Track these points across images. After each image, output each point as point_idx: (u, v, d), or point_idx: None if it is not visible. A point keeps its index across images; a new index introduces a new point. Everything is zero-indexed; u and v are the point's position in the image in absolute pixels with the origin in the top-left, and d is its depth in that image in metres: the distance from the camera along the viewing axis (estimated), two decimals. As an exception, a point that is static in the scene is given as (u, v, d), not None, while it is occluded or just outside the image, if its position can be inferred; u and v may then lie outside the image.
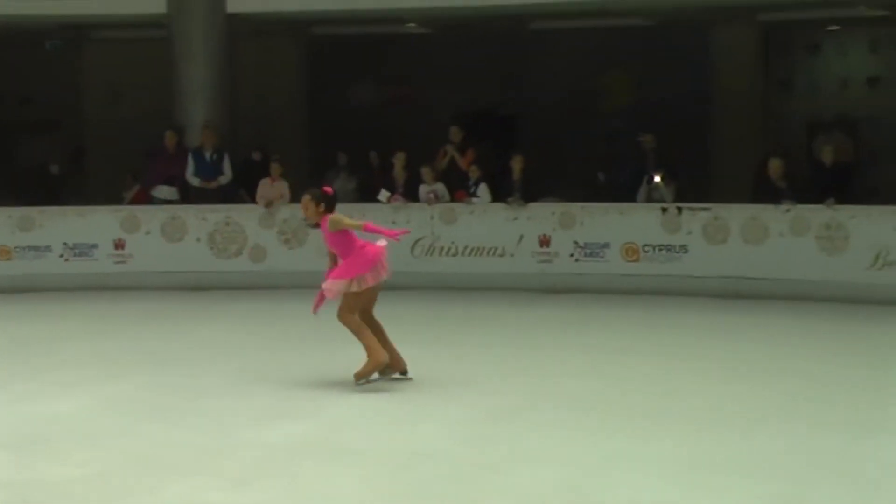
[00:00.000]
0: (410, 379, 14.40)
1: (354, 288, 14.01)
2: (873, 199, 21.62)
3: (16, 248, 22.81)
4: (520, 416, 13.06)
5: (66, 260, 22.87)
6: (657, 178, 22.24)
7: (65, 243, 22.94)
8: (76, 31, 27.83)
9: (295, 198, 22.73)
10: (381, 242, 14.24)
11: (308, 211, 14.35)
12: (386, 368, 14.19)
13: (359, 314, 14.19)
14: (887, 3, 25.32)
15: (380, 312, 18.01)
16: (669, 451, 11.54)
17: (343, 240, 14.22)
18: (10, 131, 30.13)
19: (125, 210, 23.39)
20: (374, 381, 14.04)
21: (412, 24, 27.62)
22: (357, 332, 14.08)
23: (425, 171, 22.50)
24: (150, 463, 11.32)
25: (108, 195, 24.13)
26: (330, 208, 14.29)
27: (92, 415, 13.10)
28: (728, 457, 11.33)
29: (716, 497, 10.17)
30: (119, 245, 22.89)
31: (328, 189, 14.59)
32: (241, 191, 23.62)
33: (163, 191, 23.57)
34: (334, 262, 14.47)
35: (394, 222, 21.90)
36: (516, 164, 22.52)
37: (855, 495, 10.20)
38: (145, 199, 23.65)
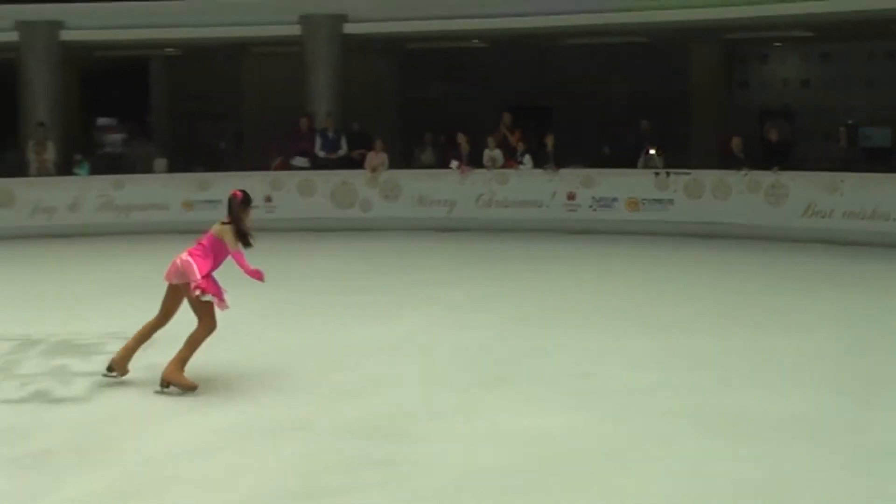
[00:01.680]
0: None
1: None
2: (805, 167, 21.47)
3: (195, 202, 22.92)
4: (542, 320, 13.13)
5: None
6: (652, 152, 22.18)
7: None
8: (238, 48, 27.88)
9: (392, 165, 22.97)
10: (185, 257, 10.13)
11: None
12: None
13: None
14: (813, 27, 25.19)
15: (454, 248, 18.25)
16: (648, 347, 11.61)
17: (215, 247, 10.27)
18: (192, 119, 30.33)
19: (272, 175, 23.47)
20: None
21: (476, 41, 27.54)
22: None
23: (490, 140, 22.68)
24: (283, 354, 11.47)
25: (260, 164, 24.19)
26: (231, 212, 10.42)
27: (242, 320, 13.18)
28: (683, 352, 11.42)
29: (684, 379, 10.27)
30: (267, 199, 22.96)
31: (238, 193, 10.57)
32: (355, 153, 23.59)
33: (298, 161, 23.65)
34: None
35: (462, 183, 22.25)
36: (549, 141, 22.54)
37: (763, 379, 10.39)
38: (286, 167, 23.72)
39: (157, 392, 10.04)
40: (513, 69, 29.03)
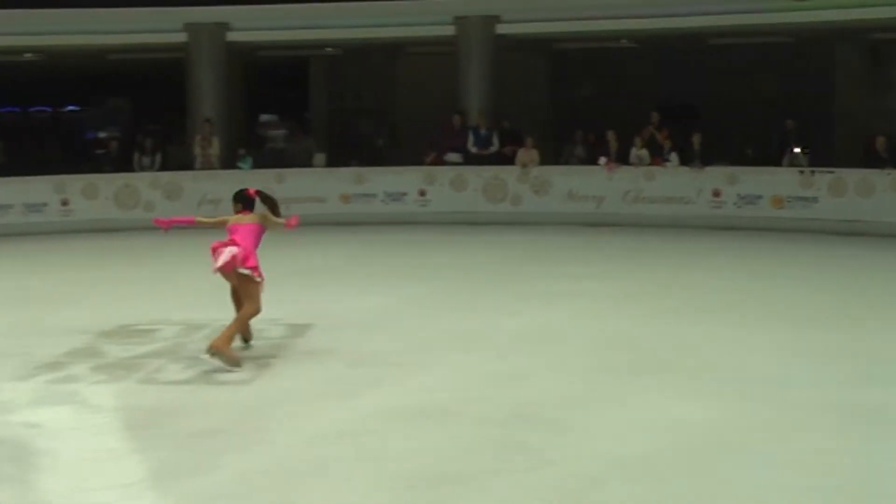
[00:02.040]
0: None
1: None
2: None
3: (353, 195, 23.20)
4: (686, 313, 13.00)
5: (386, 203, 23.17)
6: (797, 150, 21.86)
7: (385, 192, 23.25)
8: (394, 48, 28.06)
9: (542, 162, 22.94)
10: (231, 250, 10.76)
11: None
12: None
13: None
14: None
15: (602, 242, 18.15)
16: (789, 340, 11.46)
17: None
18: (349, 116, 30.61)
19: (426, 169, 23.62)
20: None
21: (625, 41, 27.35)
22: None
23: (637, 141, 22.51)
24: (434, 341, 11.53)
25: (414, 160, 24.34)
26: (249, 209, 11.53)
27: (396, 308, 13.33)
28: (824, 347, 11.25)
29: (823, 373, 10.14)
30: (421, 193, 23.16)
31: (249, 191, 11.66)
32: (507, 149, 23.61)
33: (452, 156, 23.75)
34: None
35: (610, 179, 22.15)
36: (696, 140, 22.31)
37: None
38: (439, 162, 23.82)
39: (202, 357, 10.46)
40: (660, 69, 28.79)
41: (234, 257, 10.61)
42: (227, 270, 10.68)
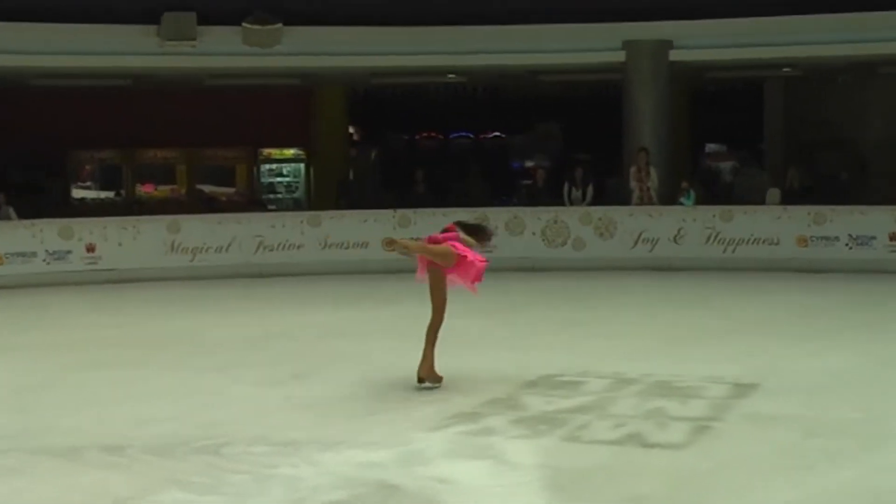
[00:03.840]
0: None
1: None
2: None
3: (810, 237, 22.81)
4: None
5: (850, 248, 22.62)
6: None
7: (849, 234, 22.69)
8: (864, 67, 27.50)
9: None
10: None
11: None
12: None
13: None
14: None
15: None
16: None
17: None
18: (809, 146, 30.16)
19: (898, 210, 22.99)
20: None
21: None
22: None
23: None
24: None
25: (887, 197, 23.73)
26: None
27: (857, 370, 13.01)
28: None
29: None
30: (892, 238, 22.43)
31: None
32: None
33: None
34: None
35: None
36: None
37: None
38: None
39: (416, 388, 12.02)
40: None
41: None
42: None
